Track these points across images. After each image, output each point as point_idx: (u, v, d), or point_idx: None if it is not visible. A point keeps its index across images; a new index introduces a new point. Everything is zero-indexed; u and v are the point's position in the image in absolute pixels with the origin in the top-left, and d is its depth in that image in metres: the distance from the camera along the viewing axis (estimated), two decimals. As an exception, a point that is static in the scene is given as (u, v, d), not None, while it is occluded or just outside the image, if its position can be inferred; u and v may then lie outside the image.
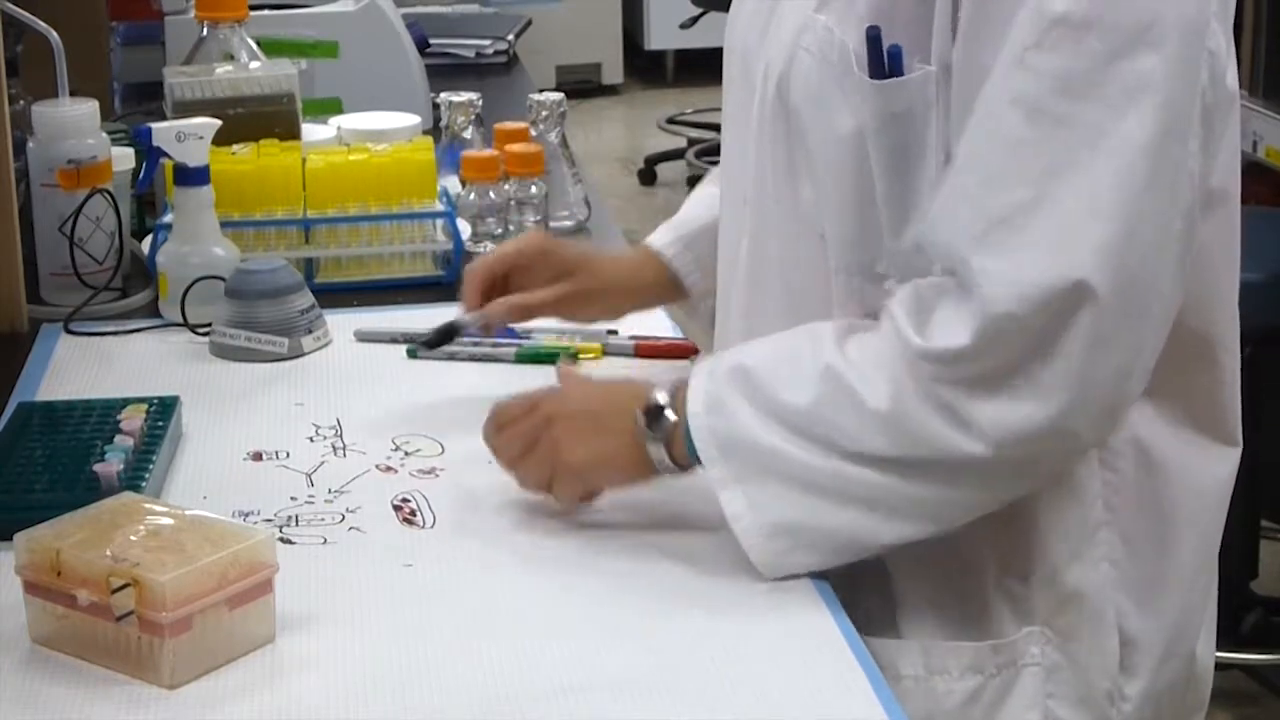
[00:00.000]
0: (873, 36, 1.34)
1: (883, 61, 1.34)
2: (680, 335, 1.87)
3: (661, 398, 1.40)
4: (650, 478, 1.42)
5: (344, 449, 1.62)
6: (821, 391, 1.33)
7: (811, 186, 1.41)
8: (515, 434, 1.46)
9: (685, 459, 1.40)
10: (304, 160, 2.02)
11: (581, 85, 7.11)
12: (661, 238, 1.75)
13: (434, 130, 2.36)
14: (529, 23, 3.46)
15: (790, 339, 1.39)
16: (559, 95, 2.28)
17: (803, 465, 1.34)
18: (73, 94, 2.01)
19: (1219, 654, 1.57)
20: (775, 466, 1.35)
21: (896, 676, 1.39)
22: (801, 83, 1.40)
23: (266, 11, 2.64)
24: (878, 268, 1.39)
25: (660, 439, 1.39)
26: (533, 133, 2.23)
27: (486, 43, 3.25)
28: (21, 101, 2.23)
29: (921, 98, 1.33)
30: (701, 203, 1.75)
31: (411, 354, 1.82)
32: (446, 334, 1.73)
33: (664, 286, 1.75)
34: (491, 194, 2.12)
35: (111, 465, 1.48)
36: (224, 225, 1.94)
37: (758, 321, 1.49)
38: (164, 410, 1.62)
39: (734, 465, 1.36)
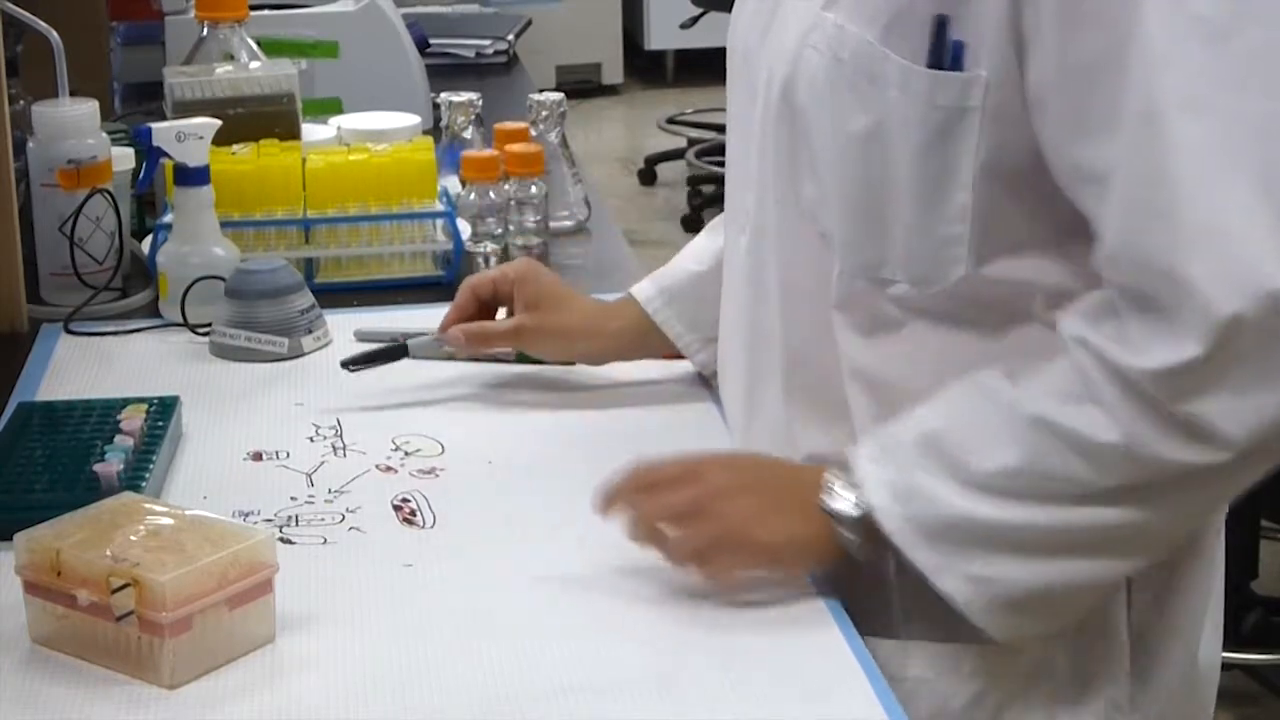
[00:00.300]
0: (941, 24, 1.31)
1: (942, 52, 1.31)
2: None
3: (836, 484, 1.34)
4: (844, 558, 1.36)
5: (344, 449, 1.62)
6: (1033, 444, 1.28)
7: (815, 187, 1.40)
8: (674, 501, 1.36)
9: (880, 546, 1.34)
10: (304, 160, 2.02)
11: (581, 85, 7.10)
12: (643, 289, 1.72)
13: (434, 130, 2.36)
14: (529, 23, 3.46)
15: (961, 399, 1.33)
16: (559, 95, 2.28)
17: (1026, 528, 1.29)
18: (73, 94, 2.01)
19: (1220, 654, 1.57)
20: (995, 539, 1.30)
21: (902, 677, 1.39)
22: (808, 82, 1.38)
23: (266, 11, 2.64)
24: (883, 271, 1.37)
25: (850, 527, 1.34)
26: (533, 133, 2.23)
27: (486, 43, 3.25)
28: (21, 101, 2.23)
29: (968, 98, 1.30)
30: (691, 255, 1.72)
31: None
32: (387, 354, 1.72)
33: (643, 336, 1.71)
34: (491, 194, 2.12)
35: (111, 465, 1.48)
36: (224, 225, 1.94)
37: (759, 323, 1.48)
38: (164, 410, 1.62)
39: (946, 548, 1.31)
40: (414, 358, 1.73)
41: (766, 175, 1.44)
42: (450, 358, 1.79)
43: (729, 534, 1.35)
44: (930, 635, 1.40)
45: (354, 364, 1.72)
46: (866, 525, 1.33)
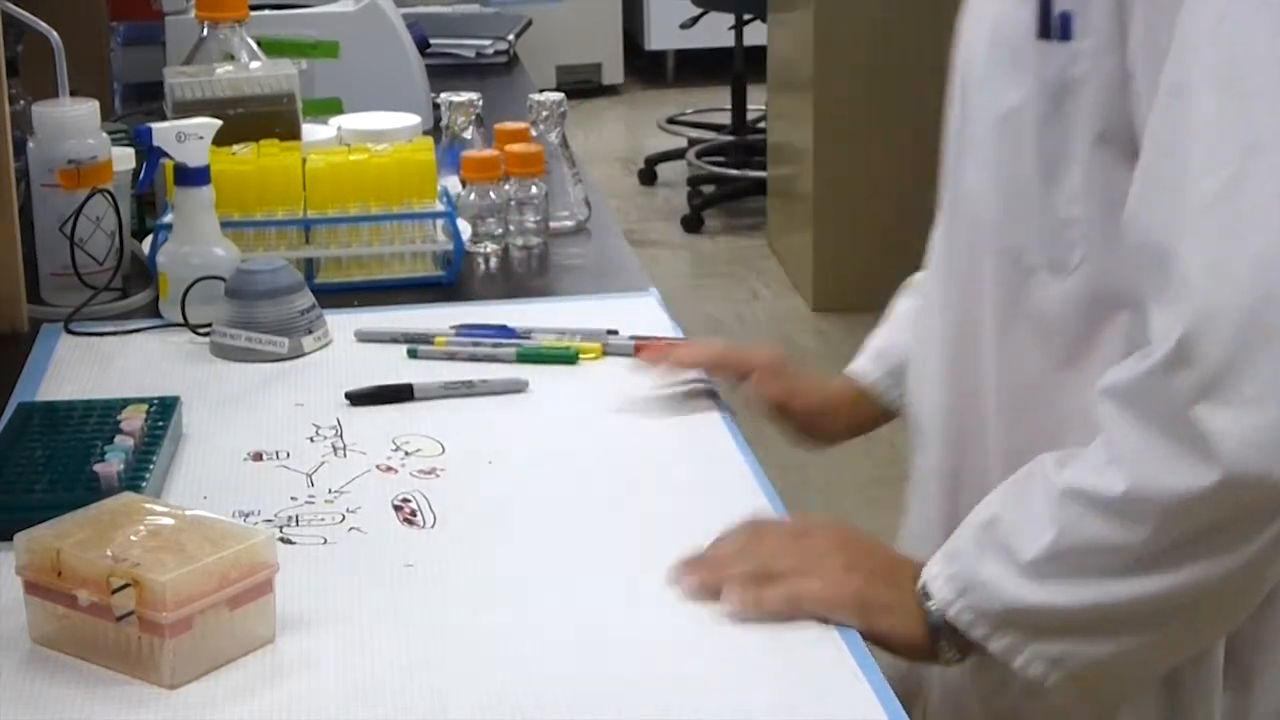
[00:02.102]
0: None
1: (1049, 23, 1.31)
2: (680, 335, 1.87)
3: (922, 580, 1.35)
4: (927, 656, 1.35)
5: (344, 449, 1.62)
6: (1064, 520, 1.27)
7: (973, 168, 1.40)
8: (785, 532, 1.41)
9: (965, 645, 1.34)
10: (304, 160, 2.02)
11: (581, 85, 7.11)
12: (868, 370, 1.70)
13: (434, 130, 2.36)
14: (529, 23, 3.46)
15: (1016, 483, 1.33)
16: (559, 95, 2.28)
17: (1083, 607, 1.28)
18: (73, 94, 2.01)
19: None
20: (1056, 621, 1.29)
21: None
22: (983, 56, 1.39)
23: (266, 11, 2.64)
24: (1027, 257, 1.36)
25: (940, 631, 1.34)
26: (533, 133, 2.23)
27: (486, 43, 3.25)
28: (21, 101, 2.23)
29: (1073, 68, 1.30)
30: (901, 325, 1.69)
31: (412, 354, 1.82)
32: (393, 394, 1.71)
33: (875, 419, 1.71)
34: (492, 194, 2.12)
35: (111, 465, 1.48)
36: (224, 225, 1.94)
37: (931, 311, 1.49)
38: (164, 410, 1.62)
39: (1015, 634, 1.31)
40: (419, 399, 1.72)
41: (949, 160, 1.45)
42: (451, 358, 1.80)
43: (840, 580, 1.34)
44: None
45: (358, 399, 1.72)
46: (946, 623, 1.33)
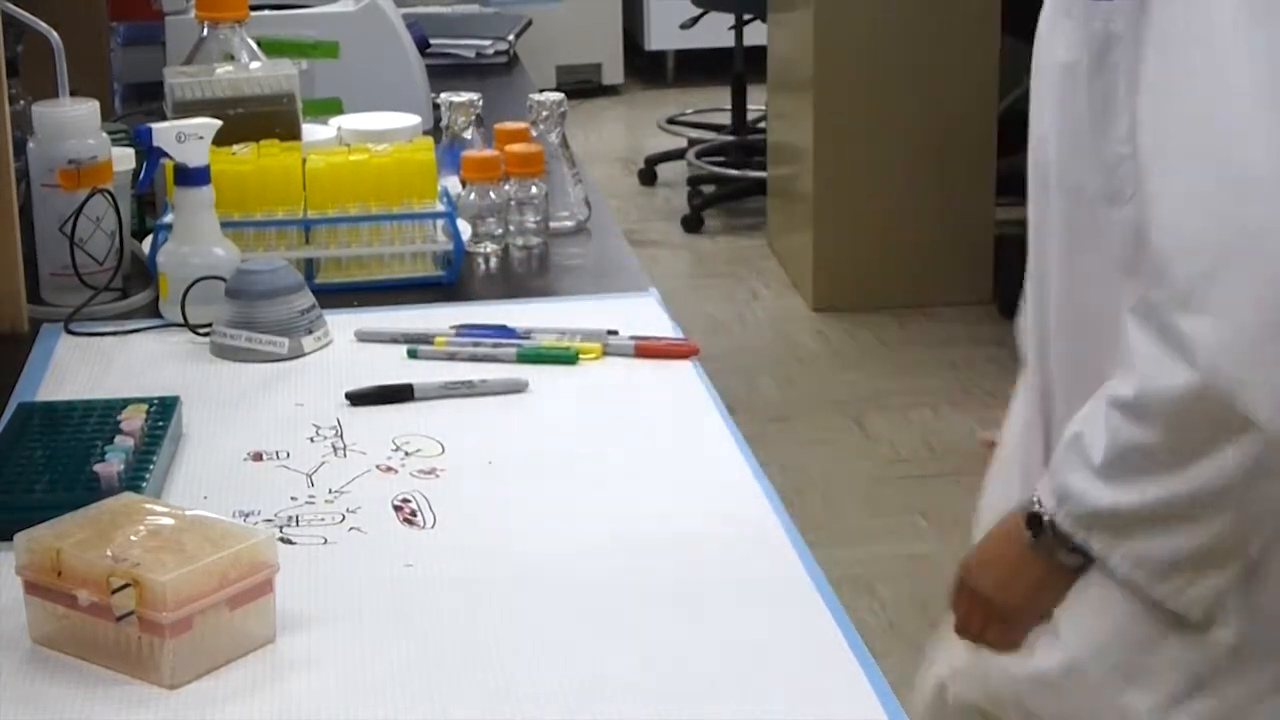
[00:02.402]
0: None
1: None
2: (680, 336, 1.87)
3: (1035, 506, 1.48)
4: (1063, 583, 1.49)
5: (344, 449, 1.62)
6: (1109, 428, 1.41)
7: (1043, 115, 1.53)
8: (961, 618, 1.61)
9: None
10: (304, 160, 2.02)
11: (581, 85, 7.11)
12: None
13: (434, 130, 2.36)
14: (529, 23, 3.46)
15: (1094, 400, 1.45)
16: (559, 95, 2.28)
17: (1145, 505, 1.41)
18: (73, 94, 2.01)
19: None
20: (1130, 519, 1.42)
21: None
22: (1048, 15, 1.52)
23: (267, 11, 2.64)
24: (1087, 190, 1.47)
25: (1052, 543, 1.48)
26: (533, 133, 2.23)
27: (486, 43, 3.25)
28: (21, 101, 2.23)
29: (1114, 24, 1.42)
30: None
31: (412, 354, 1.82)
32: (393, 394, 1.72)
33: None
34: (492, 194, 2.12)
35: (111, 465, 1.48)
36: (224, 225, 1.94)
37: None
38: (164, 410, 1.62)
39: (1105, 535, 1.44)
40: (419, 399, 1.72)
41: (1032, 119, 1.59)
42: (451, 358, 1.80)
43: (993, 616, 1.57)
44: None
45: (358, 399, 1.72)
46: (1055, 532, 1.47)
